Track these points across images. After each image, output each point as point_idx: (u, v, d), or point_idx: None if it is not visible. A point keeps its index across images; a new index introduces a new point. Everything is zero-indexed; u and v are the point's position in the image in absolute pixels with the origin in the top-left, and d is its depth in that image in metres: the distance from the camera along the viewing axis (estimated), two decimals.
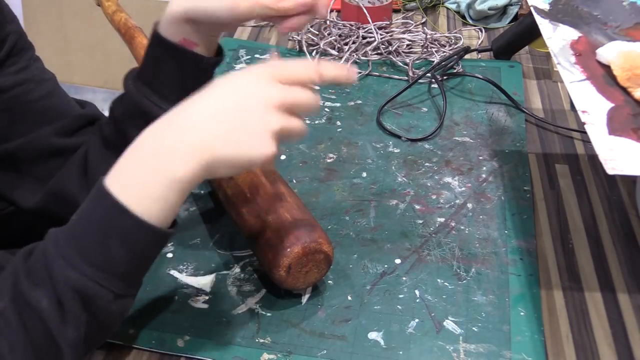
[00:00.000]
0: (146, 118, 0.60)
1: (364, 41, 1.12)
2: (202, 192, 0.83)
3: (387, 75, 1.05)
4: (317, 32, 1.13)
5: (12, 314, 0.50)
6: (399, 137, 0.92)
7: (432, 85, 1.03)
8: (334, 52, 1.10)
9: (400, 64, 1.07)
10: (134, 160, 0.53)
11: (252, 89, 0.54)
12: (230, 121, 0.52)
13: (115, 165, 0.53)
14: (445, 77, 1.04)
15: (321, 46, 1.07)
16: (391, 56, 1.09)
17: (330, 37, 1.11)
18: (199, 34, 0.65)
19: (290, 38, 1.17)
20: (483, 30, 1.19)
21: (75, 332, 0.51)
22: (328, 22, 1.14)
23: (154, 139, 0.53)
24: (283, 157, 0.88)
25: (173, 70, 0.66)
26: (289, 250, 0.64)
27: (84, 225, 0.52)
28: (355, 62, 1.08)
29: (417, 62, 1.09)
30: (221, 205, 0.80)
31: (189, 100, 0.54)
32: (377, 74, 1.06)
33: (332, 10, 1.27)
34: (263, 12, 0.62)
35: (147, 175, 0.52)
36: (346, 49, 1.09)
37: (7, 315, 0.50)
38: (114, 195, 0.51)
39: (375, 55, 1.09)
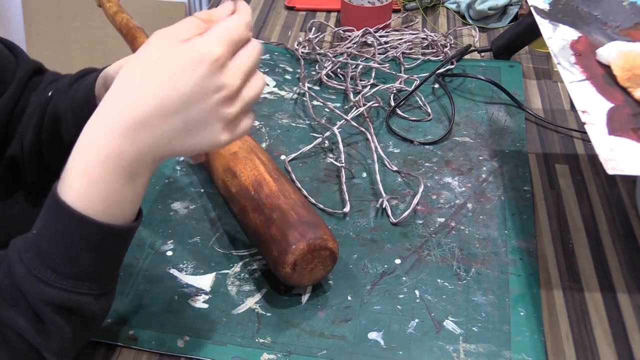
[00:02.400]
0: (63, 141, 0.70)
1: (364, 50, 1.12)
2: (202, 190, 0.83)
3: (390, 71, 1.05)
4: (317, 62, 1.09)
5: None
6: (411, 141, 0.91)
7: (434, 86, 1.03)
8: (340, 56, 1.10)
9: (403, 64, 1.07)
10: (82, 165, 0.50)
11: (199, 81, 0.49)
12: (182, 119, 0.50)
13: (64, 172, 0.50)
14: (447, 77, 1.04)
15: (322, 74, 1.04)
16: (394, 58, 1.10)
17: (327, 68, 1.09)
18: None
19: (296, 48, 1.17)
20: (477, 29, 1.19)
21: (60, 343, 0.51)
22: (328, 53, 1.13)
23: (100, 142, 0.49)
24: (283, 157, 0.88)
25: None
26: (294, 247, 0.64)
27: (47, 239, 0.50)
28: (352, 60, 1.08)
29: (418, 63, 1.09)
30: (222, 203, 0.80)
31: (126, 87, 0.50)
32: (375, 81, 1.06)
33: (330, 11, 1.27)
34: None
35: (100, 180, 0.49)
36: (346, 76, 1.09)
37: None
38: (70, 205, 0.49)
39: (378, 56, 1.09)
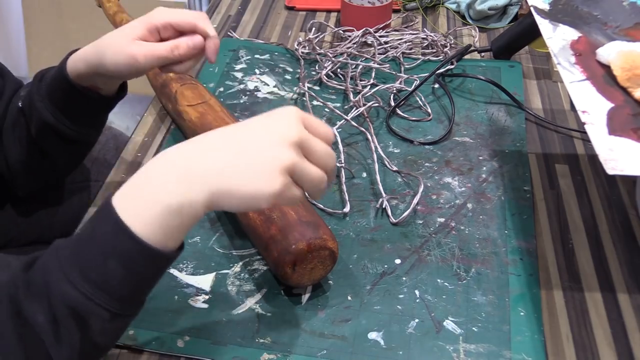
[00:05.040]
0: (58, 134, 0.76)
1: (364, 50, 1.12)
2: None
3: (390, 71, 1.05)
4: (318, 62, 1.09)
5: (8, 326, 0.50)
6: (411, 141, 0.91)
7: (434, 86, 1.03)
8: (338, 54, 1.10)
9: (403, 64, 1.07)
10: (141, 181, 0.52)
11: (271, 124, 0.53)
12: (239, 153, 0.51)
13: (126, 182, 0.52)
14: (447, 77, 1.04)
15: (322, 74, 1.03)
16: (394, 58, 1.10)
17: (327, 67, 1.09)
18: (103, 82, 0.74)
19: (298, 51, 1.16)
20: (477, 29, 1.19)
21: (69, 351, 0.50)
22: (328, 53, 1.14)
23: (164, 163, 0.52)
24: None
25: (80, 105, 0.75)
26: (294, 247, 0.64)
27: (86, 239, 0.50)
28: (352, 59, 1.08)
29: (418, 63, 1.09)
30: None
31: (209, 132, 0.54)
32: (375, 81, 1.06)
33: (330, 11, 1.27)
34: (161, 62, 0.69)
35: (148, 199, 0.50)
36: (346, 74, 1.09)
37: (3, 328, 0.50)
38: (117, 213, 0.49)
39: (378, 56, 1.09)
